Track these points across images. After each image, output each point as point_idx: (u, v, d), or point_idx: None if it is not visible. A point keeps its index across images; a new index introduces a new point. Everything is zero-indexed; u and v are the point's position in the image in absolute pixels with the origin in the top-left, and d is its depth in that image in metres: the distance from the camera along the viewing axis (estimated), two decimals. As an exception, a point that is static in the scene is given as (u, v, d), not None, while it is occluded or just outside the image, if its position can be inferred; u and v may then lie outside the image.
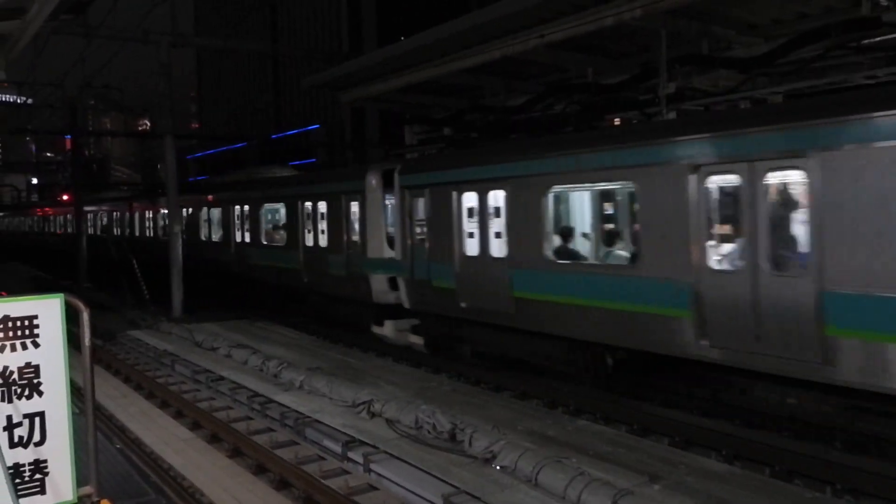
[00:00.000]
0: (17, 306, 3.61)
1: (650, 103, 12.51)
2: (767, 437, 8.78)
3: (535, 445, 8.25)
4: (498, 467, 7.82)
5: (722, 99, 11.69)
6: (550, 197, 10.82)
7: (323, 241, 16.93)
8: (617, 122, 14.93)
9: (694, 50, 11.97)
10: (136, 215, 30.12)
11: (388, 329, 14.76)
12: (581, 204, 11.78)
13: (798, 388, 8.56)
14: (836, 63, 10.97)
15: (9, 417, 3.59)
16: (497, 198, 11.69)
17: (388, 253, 14.69)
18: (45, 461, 3.68)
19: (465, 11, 16.70)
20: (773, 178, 8.05)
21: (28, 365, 3.62)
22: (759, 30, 11.90)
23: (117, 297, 23.47)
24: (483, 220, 11.97)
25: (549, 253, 10.86)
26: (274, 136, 49.76)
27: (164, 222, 25.71)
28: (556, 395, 11.06)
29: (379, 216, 15.05)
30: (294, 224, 18.04)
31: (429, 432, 8.82)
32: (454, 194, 12.51)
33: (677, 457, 8.20)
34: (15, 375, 3.60)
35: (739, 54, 12.03)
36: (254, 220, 20.18)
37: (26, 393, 3.63)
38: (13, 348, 3.59)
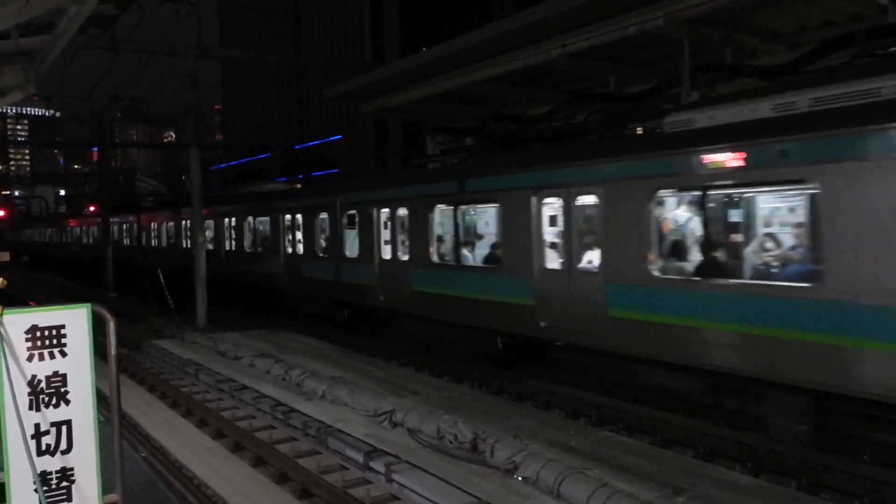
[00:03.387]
0: (45, 316, 3.66)
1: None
2: (793, 450, 8.66)
3: (558, 456, 8.20)
4: (520, 478, 7.78)
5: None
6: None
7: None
8: (640, 130, 14.86)
9: (717, 58, 11.90)
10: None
11: None
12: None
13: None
14: (863, 71, 10.83)
15: (37, 426, 3.63)
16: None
17: None
18: (72, 469, 3.72)
19: (489, 21, 16.74)
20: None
21: (56, 374, 3.67)
22: (783, 38, 11.81)
23: (151, 307, 23.53)
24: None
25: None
26: (297, 147, 50.15)
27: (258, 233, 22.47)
28: (579, 406, 10.99)
29: None
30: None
31: (451, 442, 8.80)
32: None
33: (701, 469, 8.10)
34: (43, 384, 3.64)
35: (764, 62, 11.94)
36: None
37: (54, 401, 3.67)
38: (41, 357, 3.64)
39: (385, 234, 15.80)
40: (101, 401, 4.00)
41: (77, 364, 3.71)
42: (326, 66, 51.91)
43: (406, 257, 14.96)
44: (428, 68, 16.13)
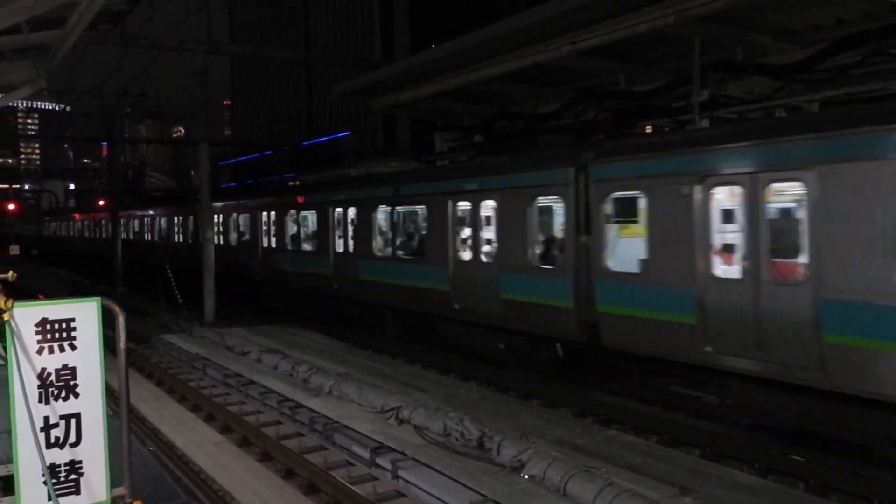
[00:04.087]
0: (55, 309, 3.67)
1: (683, 111, 12.41)
2: (802, 451, 8.62)
3: (564, 455, 8.19)
4: (526, 476, 7.77)
5: (757, 107, 11.54)
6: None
7: None
8: (649, 129, 14.82)
9: (728, 57, 11.84)
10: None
11: None
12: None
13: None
14: (875, 70, 10.78)
15: (46, 418, 3.64)
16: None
17: None
18: (81, 462, 3.72)
19: (498, 18, 16.70)
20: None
21: (65, 367, 3.67)
22: (795, 36, 11.73)
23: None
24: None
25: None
26: (305, 143, 50.21)
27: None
28: (586, 405, 10.98)
29: None
30: None
31: (457, 440, 8.80)
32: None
33: (708, 469, 8.09)
34: (52, 377, 3.65)
35: (775, 61, 11.87)
36: None
37: (63, 394, 3.68)
38: (51, 350, 3.64)
39: (729, 232, 9.31)
40: (110, 395, 4.01)
41: (86, 357, 3.72)
42: (335, 63, 51.98)
43: (811, 280, 8.12)
44: (437, 65, 16.09)
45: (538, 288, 11.73)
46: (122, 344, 3.82)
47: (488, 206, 13.12)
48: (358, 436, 9.60)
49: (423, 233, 15.10)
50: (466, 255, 13.63)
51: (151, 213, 32.96)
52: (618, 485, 7.10)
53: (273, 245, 21.12)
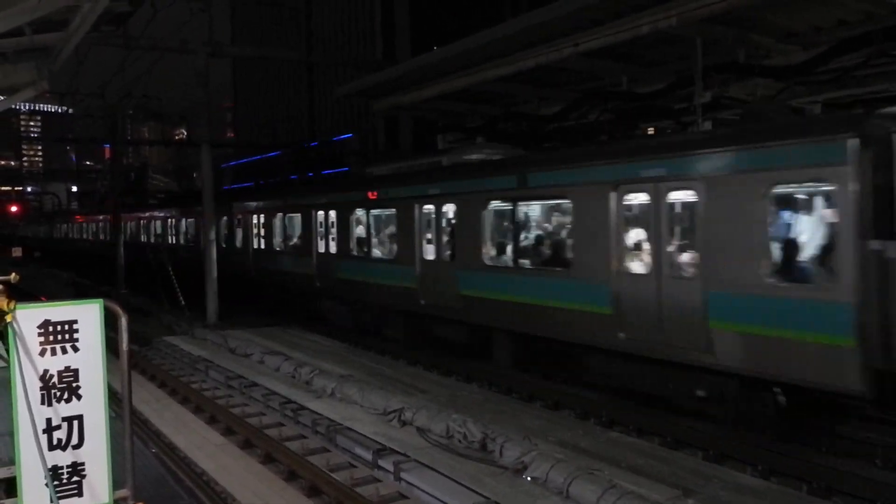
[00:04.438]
0: (57, 311, 3.67)
1: (685, 112, 12.40)
2: (805, 453, 8.60)
3: (567, 457, 8.17)
4: (529, 478, 7.76)
5: (759, 108, 11.52)
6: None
7: None
8: (651, 130, 14.82)
9: (731, 58, 11.83)
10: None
11: None
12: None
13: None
14: (878, 71, 10.77)
15: (48, 420, 3.64)
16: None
17: None
18: (83, 464, 3.72)
19: (499, 20, 16.71)
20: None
21: (68, 369, 3.67)
22: (797, 37, 11.72)
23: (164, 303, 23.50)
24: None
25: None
26: (314, 143, 50.23)
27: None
28: (589, 406, 10.95)
29: None
30: None
31: (460, 441, 8.79)
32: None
33: (711, 471, 8.07)
34: (55, 379, 3.65)
35: (777, 62, 11.86)
36: None
37: (65, 396, 3.68)
38: (53, 352, 3.64)
39: None
40: (112, 396, 4.01)
41: (89, 359, 3.72)
42: (337, 64, 52.08)
43: None
44: (439, 67, 16.10)
45: (778, 315, 8.15)
46: (124, 345, 3.82)
47: (681, 199, 9.63)
48: (360, 438, 9.59)
49: (565, 236, 11.80)
50: (640, 268, 9.95)
51: (175, 214, 31.27)
52: (621, 487, 7.09)
53: (333, 251, 17.74)
